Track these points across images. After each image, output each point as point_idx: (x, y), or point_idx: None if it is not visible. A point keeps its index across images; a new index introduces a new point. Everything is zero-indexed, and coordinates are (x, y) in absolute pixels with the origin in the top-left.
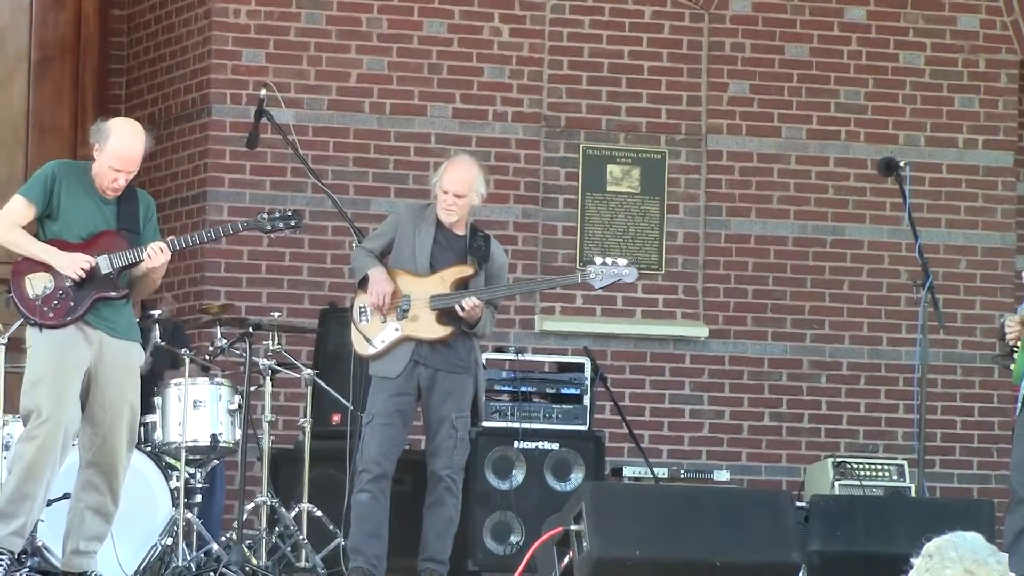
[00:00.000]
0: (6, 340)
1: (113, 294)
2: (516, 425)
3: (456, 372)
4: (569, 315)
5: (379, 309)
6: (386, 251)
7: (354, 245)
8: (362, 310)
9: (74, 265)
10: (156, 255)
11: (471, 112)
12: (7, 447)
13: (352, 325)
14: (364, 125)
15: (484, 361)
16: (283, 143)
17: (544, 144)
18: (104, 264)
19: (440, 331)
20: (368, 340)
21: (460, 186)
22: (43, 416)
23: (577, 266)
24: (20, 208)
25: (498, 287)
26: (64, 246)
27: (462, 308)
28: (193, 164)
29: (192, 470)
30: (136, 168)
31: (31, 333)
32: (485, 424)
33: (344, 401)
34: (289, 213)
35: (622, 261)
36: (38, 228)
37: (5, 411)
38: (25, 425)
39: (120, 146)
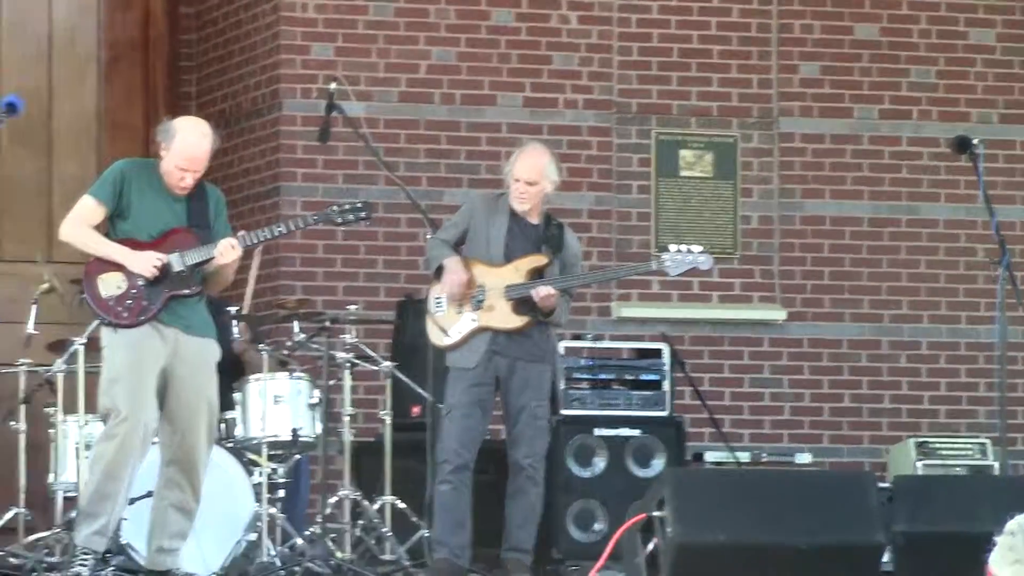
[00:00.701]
0: (84, 340)
1: (186, 292)
2: (596, 412)
3: (534, 361)
4: (646, 301)
5: (455, 299)
6: (460, 241)
7: (428, 236)
8: (438, 301)
9: (146, 264)
10: (227, 252)
11: (541, 101)
12: (88, 447)
13: (428, 316)
14: (435, 116)
15: (562, 349)
16: (355, 136)
17: (616, 131)
18: (176, 262)
19: (516, 320)
20: (444, 331)
21: (532, 173)
22: (121, 415)
23: (652, 252)
24: (90, 209)
25: (573, 276)
26: (135, 245)
27: (537, 295)
28: (265, 160)
29: (274, 465)
30: (203, 167)
31: (106, 333)
32: (564, 412)
33: (423, 393)
34: (359, 205)
35: (696, 248)
36: (109, 228)
37: (86, 411)
38: (104, 424)
39: (186, 145)
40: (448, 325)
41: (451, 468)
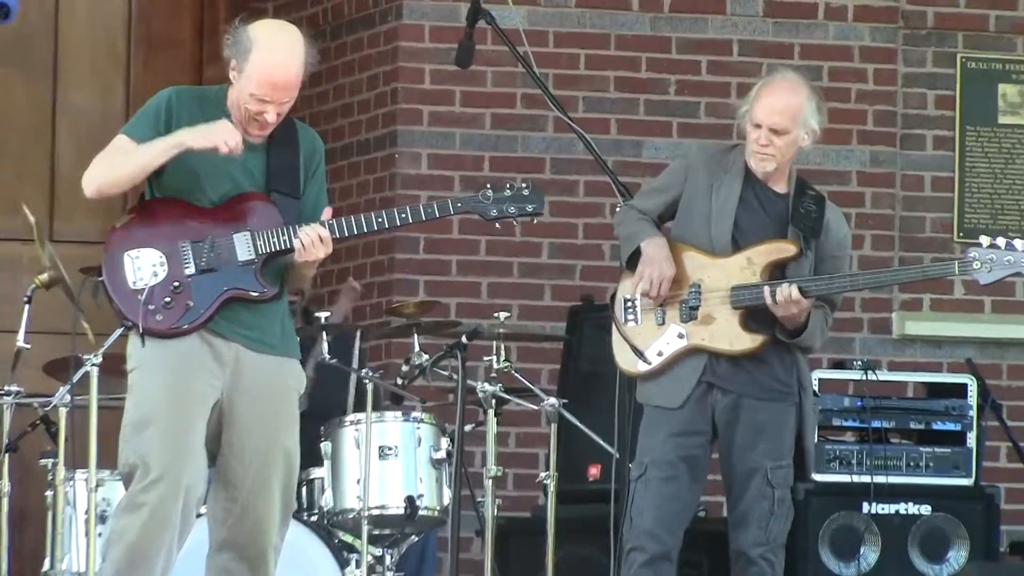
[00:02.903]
0: (99, 358)
1: (254, 293)
2: (866, 479)
3: (771, 400)
4: (943, 312)
5: (655, 303)
6: (667, 214)
7: (619, 206)
8: (629, 305)
9: (217, 134)
10: (314, 246)
11: (791, 7)
12: (103, 519)
13: (615, 328)
14: (631, 30)
15: (815, 382)
16: (511, 58)
17: (903, 55)
18: (243, 247)
19: (745, 340)
20: (639, 351)
21: (781, 117)
22: (152, 474)
23: (954, 240)
24: (124, 151)
25: (835, 277)
26: (184, 213)
27: (775, 301)
28: (375, 91)
29: (379, 551)
30: (293, 97)
31: (132, 345)
32: (818, 478)
33: (605, 445)
34: (525, 189)
35: (1022, 243)
36: (146, 187)
37: (99, 465)
38: (127, 487)
39: (269, 63)
40: (644, 342)
41: (645, 558)
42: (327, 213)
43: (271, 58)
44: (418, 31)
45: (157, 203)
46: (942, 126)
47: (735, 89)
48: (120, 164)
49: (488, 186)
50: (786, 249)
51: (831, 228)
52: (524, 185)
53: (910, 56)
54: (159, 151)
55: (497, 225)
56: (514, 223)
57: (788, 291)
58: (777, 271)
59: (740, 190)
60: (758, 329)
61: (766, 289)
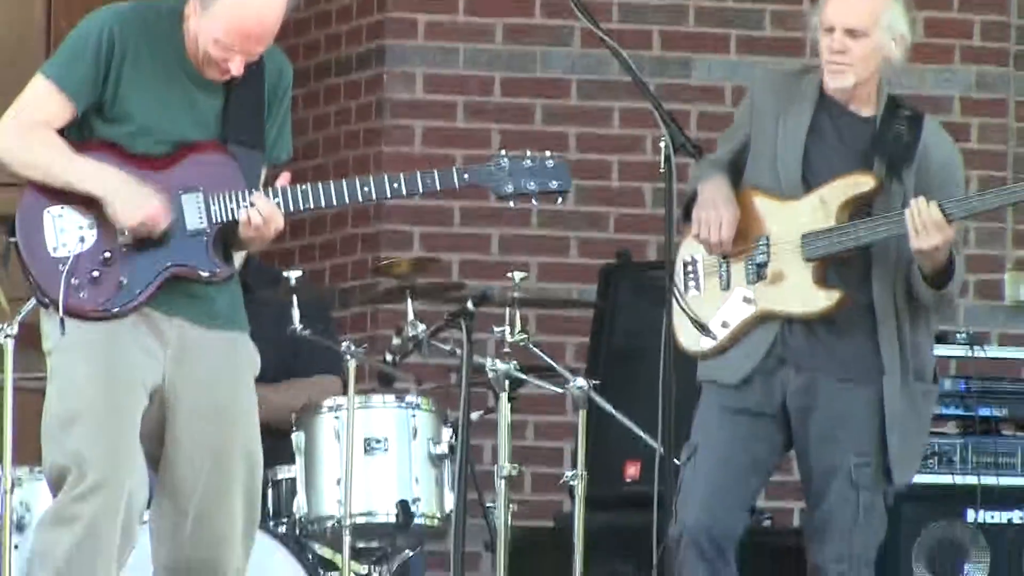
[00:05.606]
0: (14, 329)
1: (204, 273)
2: (971, 480)
3: (856, 382)
4: None
5: (715, 252)
6: (741, 161)
7: (664, 143)
8: (689, 270)
9: (142, 213)
10: (259, 218)
11: None
12: (20, 528)
13: (675, 297)
14: None
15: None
16: None
17: None
18: (192, 212)
19: (820, 299)
20: (700, 325)
21: (856, 16)
22: (88, 480)
23: None
24: (45, 101)
25: (985, 192)
26: (120, 164)
27: (912, 226)
28: None
29: (365, 569)
30: (265, 47)
31: (50, 325)
32: (913, 478)
33: (647, 438)
34: (548, 160)
35: None
36: (75, 132)
37: (16, 461)
38: (54, 494)
39: (242, 10)
40: (708, 313)
41: (695, 554)
42: (283, 179)
43: (245, 3)
44: None
45: (88, 148)
46: None
47: None
48: (34, 157)
49: (503, 153)
50: (862, 183)
51: (931, 151)
52: (547, 155)
53: None
54: (69, 178)
55: (511, 204)
56: (533, 201)
57: (927, 209)
58: (861, 212)
59: (811, 118)
60: (837, 285)
61: (849, 239)
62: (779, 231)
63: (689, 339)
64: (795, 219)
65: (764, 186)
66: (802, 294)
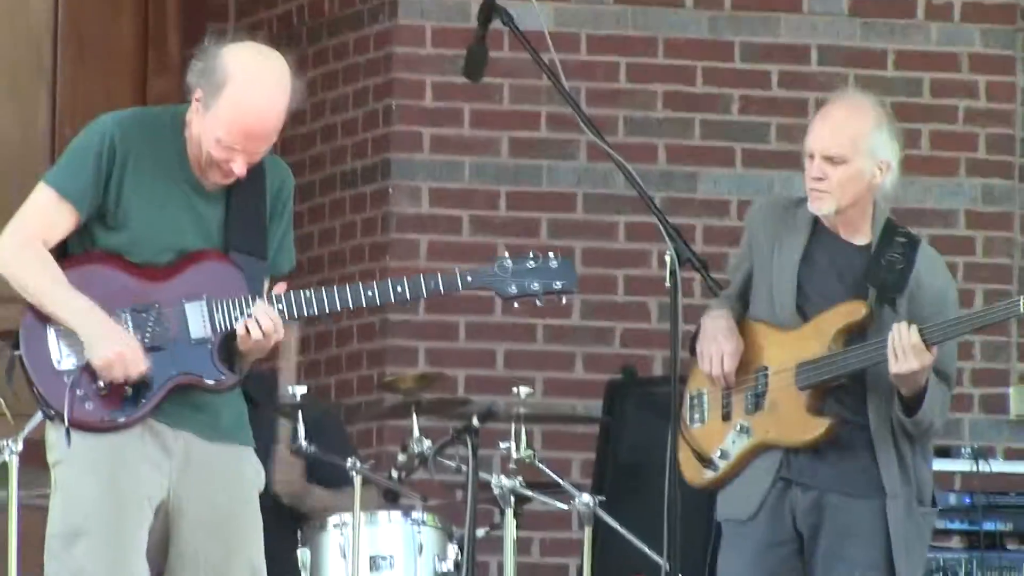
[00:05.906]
0: (19, 446)
1: (210, 382)
2: None
3: (862, 496)
4: None
5: (719, 386)
6: (748, 294)
7: (669, 257)
8: (695, 402)
9: (112, 355)
10: (259, 332)
11: (884, 5)
12: None
13: (680, 429)
14: (683, 32)
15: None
16: (533, 68)
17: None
18: (196, 320)
19: (811, 427)
20: (701, 456)
21: (833, 143)
22: None
23: None
24: (48, 211)
25: (960, 318)
26: (123, 274)
27: (892, 352)
28: (364, 109)
29: None
30: (268, 147)
31: (55, 436)
32: None
33: (652, 554)
34: (552, 260)
35: None
36: (79, 240)
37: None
38: None
39: (244, 108)
40: (710, 444)
41: None
42: (280, 287)
43: (247, 101)
44: (417, 33)
45: (91, 258)
46: None
47: (813, 106)
48: (25, 280)
49: (506, 256)
50: (855, 311)
51: (924, 279)
52: (551, 256)
53: None
54: (55, 311)
55: (515, 304)
56: (537, 302)
57: (907, 333)
58: (856, 340)
59: (804, 247)
60: (834, 410)
61: (836, 362)
62: (778, 361)
63: (691, 470)
64: (793, 348)
65: (764, 316)
66: (794, 423)
